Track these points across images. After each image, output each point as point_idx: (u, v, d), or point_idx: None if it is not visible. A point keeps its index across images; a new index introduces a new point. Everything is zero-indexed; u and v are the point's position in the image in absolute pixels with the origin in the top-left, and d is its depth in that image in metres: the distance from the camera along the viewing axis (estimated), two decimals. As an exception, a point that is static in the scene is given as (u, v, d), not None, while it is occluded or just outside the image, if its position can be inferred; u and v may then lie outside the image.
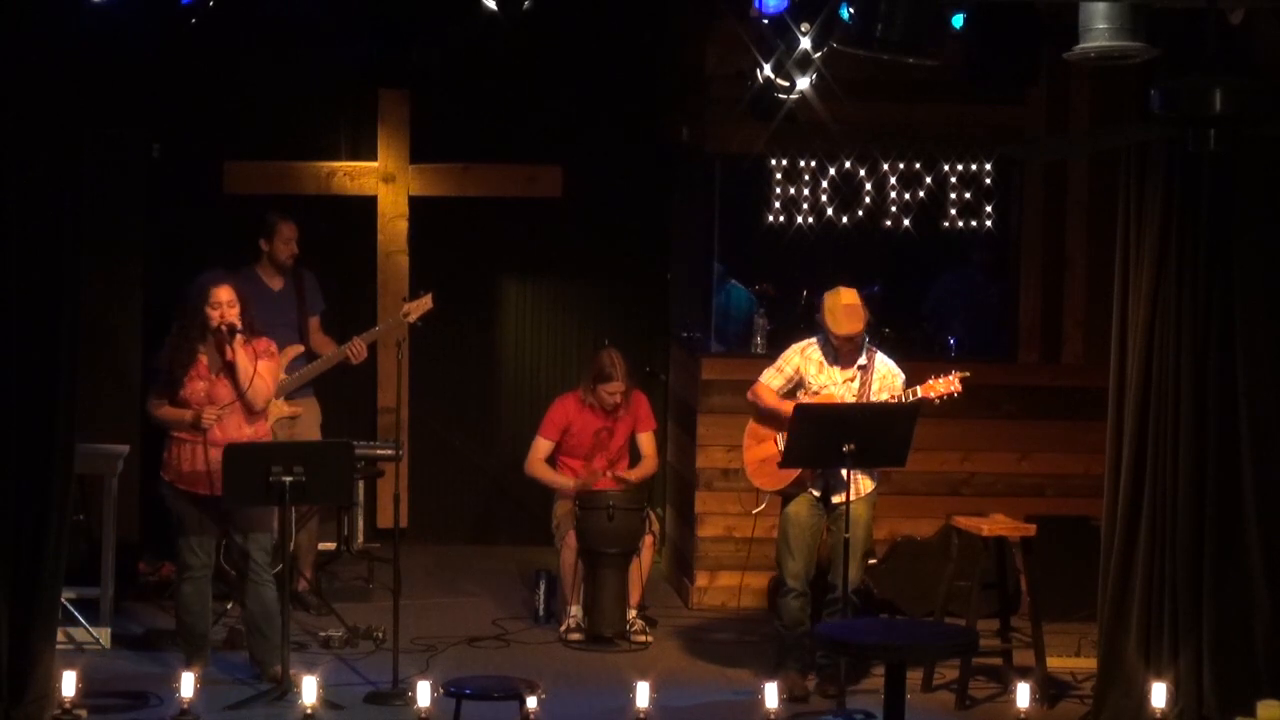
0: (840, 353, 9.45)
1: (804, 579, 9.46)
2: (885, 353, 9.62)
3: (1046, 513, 10.79)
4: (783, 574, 9.52)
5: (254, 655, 9.37)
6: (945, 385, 9.32)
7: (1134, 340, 8.70)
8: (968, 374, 9.37)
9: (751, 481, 9.73)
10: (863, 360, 9.45)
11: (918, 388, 9.35)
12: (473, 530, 12.77)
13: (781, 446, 9.37)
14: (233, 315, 9.22)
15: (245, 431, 9.29)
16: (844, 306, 9.37)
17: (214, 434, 9.19)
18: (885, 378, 9.44)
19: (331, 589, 11.16)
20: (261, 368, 9.27)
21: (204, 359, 9.27)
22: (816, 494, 9.44)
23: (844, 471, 9.14)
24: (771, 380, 9.57)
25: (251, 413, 9.32)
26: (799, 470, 9.40)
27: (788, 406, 9.31)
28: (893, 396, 9.35)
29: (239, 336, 9.21)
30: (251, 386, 9.23)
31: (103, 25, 8.70)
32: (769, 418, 9.53)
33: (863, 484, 9.40)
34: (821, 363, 9.48)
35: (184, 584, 9.33)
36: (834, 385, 9.44)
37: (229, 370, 9.25)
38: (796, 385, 9.52)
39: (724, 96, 10.84)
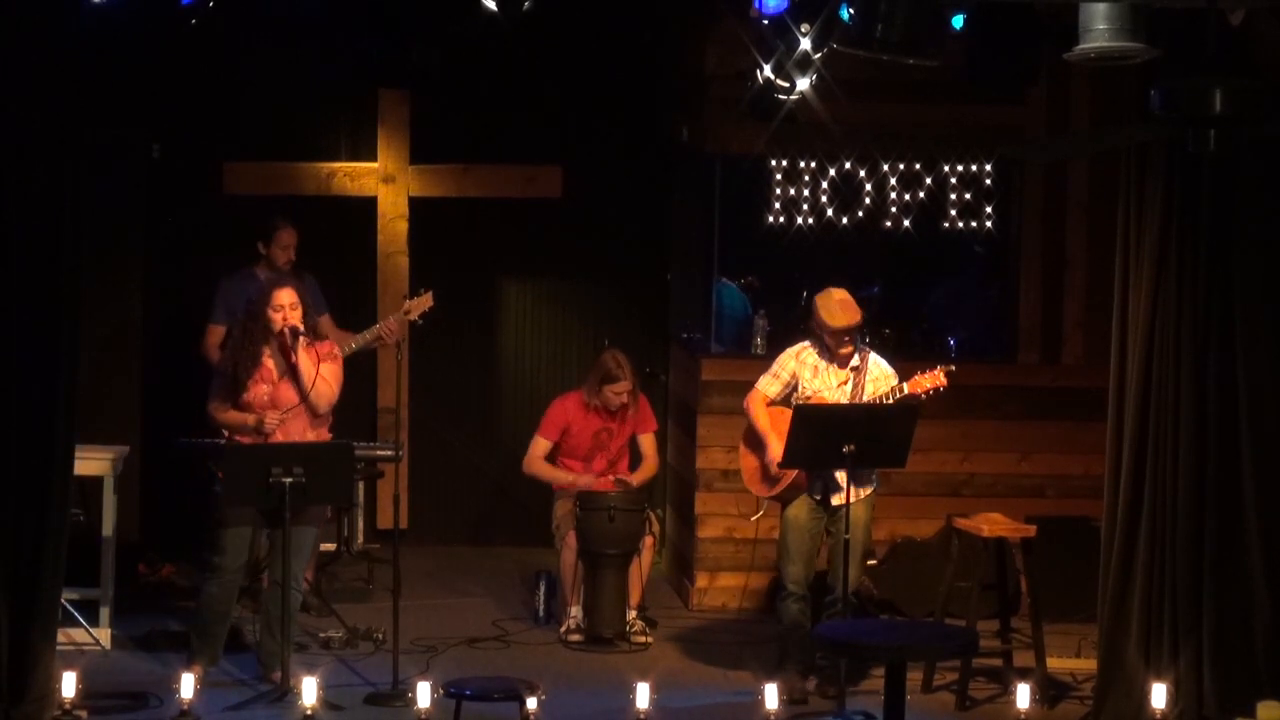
0: (835, 354, 9.44)
1: (804, 583, 9.46)
2: (883, 354, 9.62)
3: (1046, 513, 10.79)
4: (783, 578, 9.52)
5: (261, 656, 9.36)
6: (931, 380, 9.32)
7: (1134, 340, 8.70)
8: (952, 368, 9.37)
9: (749, 488, 9.73)
10: (855, 362, 9.45)
11: (904, 384, 9.36)
12: (473, 531, 12.76)
13: (779, 453, 9.38)
14: (295, 318, 9.21)
15: (309, 435, 9.28)
16: (838, 301, 9.37)
17: (277, 438, 9.19)
18: (878, 379, 9.43)
19: (331, 590, 11.15)
20: (325, 370, 9.25)
21: (268, 362, 9.27)
22: (816, 498, 9.44)
23: (841, 473, 9.15)
24: (768, 387, 9.56)
25: (315, 416, 9.30)
26: (795, 475, 9.40)
27: (775, 444, 9.32)
28: (885, 394, 9.34)
29: (302, 339, 9.19)
30: (314, 390, 9.21)
31: (103, 25, 8.70)
32: (757, 440, 9.54)
33: (860, 487, 9.38)
34: (816, 366, 9.47)
35: (212, 583, 9.28)
36: (828, 390, 9.43)
37: (292, 374, 9.24)
38: (793, 390, 9.51)
39: (724, 96, 10.84)
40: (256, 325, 9.28)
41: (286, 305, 9.23)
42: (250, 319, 9.34)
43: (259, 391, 9.26)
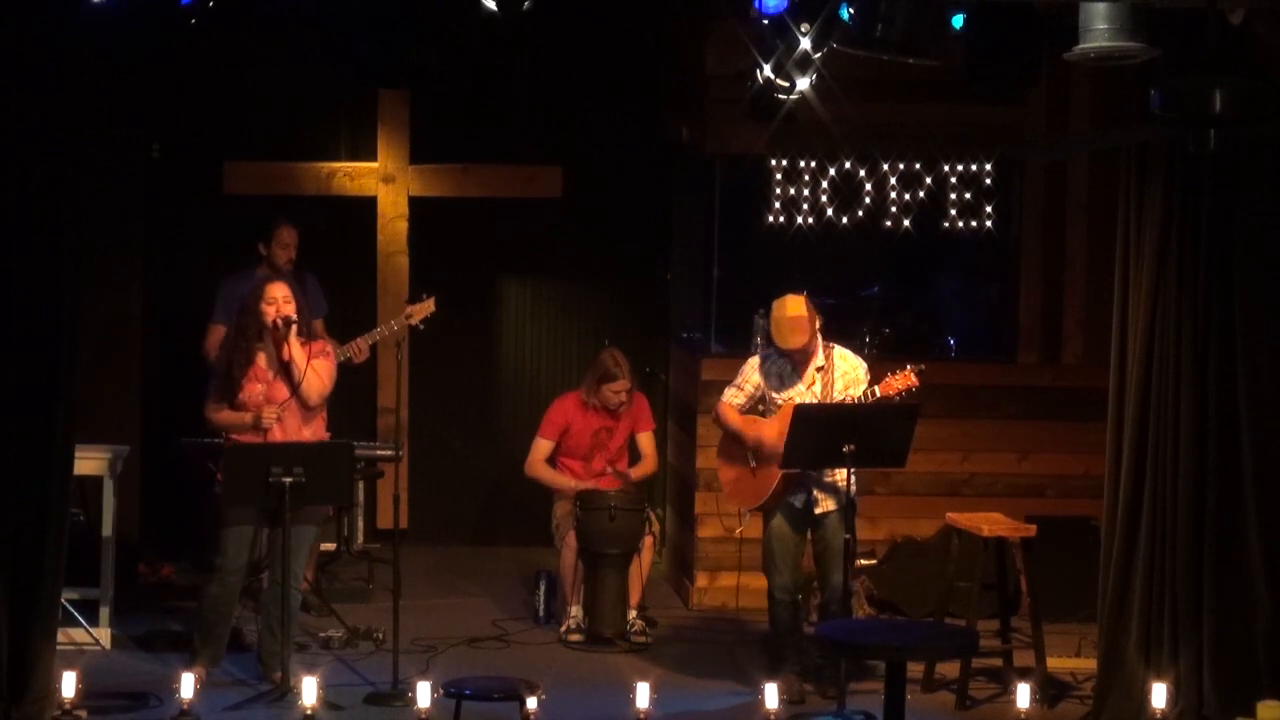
0: (795, 363, 9.40)
1: (793, 589, 9.44)
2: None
3: (1046, 513, 10.78)
4: (771, 586, 9.49)
5: (262, 656, 9.35)
6: (902, 381, 9.26)
7: (1134, 340, 8.70)
8: (923, 367, 9.33)
9: (729, 501, 9.72)
10: (820, 361, 9.40)
11: (876, 387, 9.31)
12: (473, 531, 12.76)
13: (754, 464, 9.36)
14: (289, 310, 9.21)
15: (304, 433, 9.27)
16: (788, 319, 9.28)
17: (274, 434, 9.18)
18: (846, 374, 9.38)
19: (331, 590, 11.15)
20: (316, 364, 9.25)
21: (261, 359, 9.26)
22: (798, 506, 9.40)
23: (831, 474, 9.15)
24: (734, 399, 9.51)
25: (306, 409, 9.27)
26: (776, 486, 9.34)
27: (749, 429, 9.30)
28: (857, 397, 9.28)
29: (294, 328, 9.18)
30: (305, 381, 9.18)
31: (103, 25, 8.70)
32: (732, 440, 9.51)
33: (841, 497, 9.30)
34: (780, 374, 9.42)
35: (214, 584, 9.26)
36: (798, 395, 9.38)
37: (285, 370, 9.23)
38: (759, 400, 9.48)
39: (724, 96, 10.84)
40: (250, 321, 9.27)
41: (280, 299, 9.23)
42: (244, 315, 9.33)
43: (254, 390, 9.25)
